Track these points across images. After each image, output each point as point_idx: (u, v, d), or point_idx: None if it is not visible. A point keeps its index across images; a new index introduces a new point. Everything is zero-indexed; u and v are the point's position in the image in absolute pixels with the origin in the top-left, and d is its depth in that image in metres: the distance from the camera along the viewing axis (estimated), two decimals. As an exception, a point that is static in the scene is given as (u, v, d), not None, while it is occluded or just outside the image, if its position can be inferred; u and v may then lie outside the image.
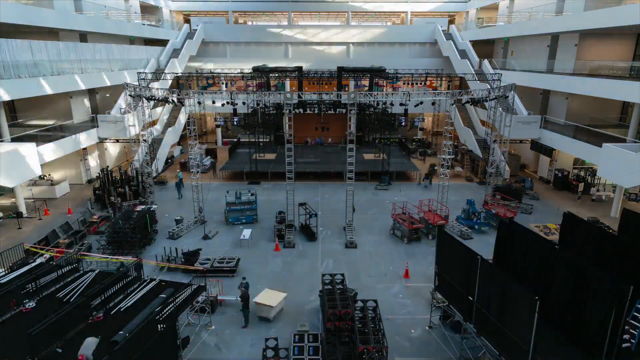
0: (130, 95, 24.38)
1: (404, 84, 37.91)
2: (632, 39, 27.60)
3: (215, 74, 35.04)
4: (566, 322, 11.23)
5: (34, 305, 11.80)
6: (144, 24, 38.38)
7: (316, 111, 32.68)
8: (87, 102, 31.11)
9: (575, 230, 14.22)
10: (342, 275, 14.75)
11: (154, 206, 22.74)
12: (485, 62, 36.98)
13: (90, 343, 9.84)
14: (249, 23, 54.38)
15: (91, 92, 31.21)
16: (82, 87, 27.55)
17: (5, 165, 18.78)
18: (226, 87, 40.00)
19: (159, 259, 18.14)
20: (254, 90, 34.89)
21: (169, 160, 34.52)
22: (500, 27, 36.70)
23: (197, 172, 22.00)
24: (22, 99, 23.36)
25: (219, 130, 42.96)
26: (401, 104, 24.41)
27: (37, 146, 21.58)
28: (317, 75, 36.25)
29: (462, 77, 35.25)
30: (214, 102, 31.31)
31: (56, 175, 27.62)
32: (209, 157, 35.00)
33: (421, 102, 24.89)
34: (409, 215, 21.20)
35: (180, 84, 39.38)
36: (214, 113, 41.83)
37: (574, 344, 10.87)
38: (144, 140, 26.55)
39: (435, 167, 31.75)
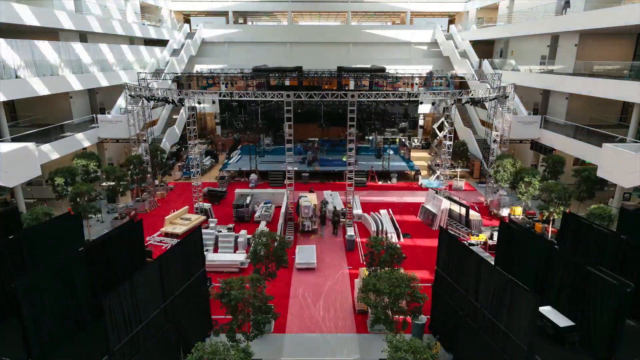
0: (130, 96, 24.38)
1: (404, 84, 37.91)
2: (632, 39, 27.58)
3: (215, 74, 35.01)
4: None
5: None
6: (143, 24, 38.37)
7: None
8: (87, 102, 31.09)
9: (575, 229, 14.22)
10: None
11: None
12: (485, 62, 36.95)
13: None
14: (249, 23, 54.41)
15: (91, 92, 31.19)
16: (82, 87, 27.51)
17: (5, 165, 18.73)
18: (226, 87, 39.98)
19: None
20: (254, 90, 34.85)
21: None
22: (500, 27, 36.68)
23: (197, 172, 22.01)
24: (22, 99, 23.33)
25: (218, 128, 42.91)
26: (401, 104, 24.41)
27: (37, 146, 21.55)
28: (317, 75, 36.24)
29: (462, 77, 35.23)
30: (214, 102, 31.36)
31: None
32: (209, 157, 34.98)
33: (421, 102, 24.93)
34: None
35: (180, 84, 39.34)
36: (214, 113, 41.83)
37: (575, 344, 10.86)
38: (144, 140, 26.55)
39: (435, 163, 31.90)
